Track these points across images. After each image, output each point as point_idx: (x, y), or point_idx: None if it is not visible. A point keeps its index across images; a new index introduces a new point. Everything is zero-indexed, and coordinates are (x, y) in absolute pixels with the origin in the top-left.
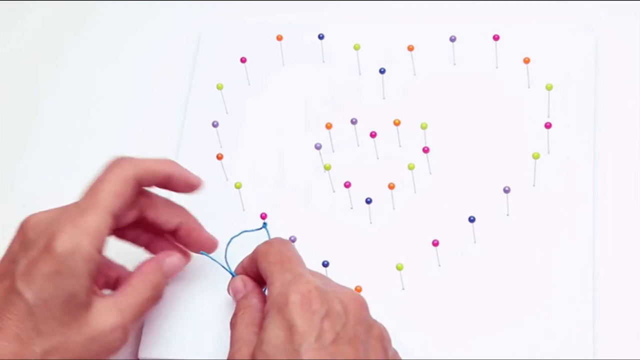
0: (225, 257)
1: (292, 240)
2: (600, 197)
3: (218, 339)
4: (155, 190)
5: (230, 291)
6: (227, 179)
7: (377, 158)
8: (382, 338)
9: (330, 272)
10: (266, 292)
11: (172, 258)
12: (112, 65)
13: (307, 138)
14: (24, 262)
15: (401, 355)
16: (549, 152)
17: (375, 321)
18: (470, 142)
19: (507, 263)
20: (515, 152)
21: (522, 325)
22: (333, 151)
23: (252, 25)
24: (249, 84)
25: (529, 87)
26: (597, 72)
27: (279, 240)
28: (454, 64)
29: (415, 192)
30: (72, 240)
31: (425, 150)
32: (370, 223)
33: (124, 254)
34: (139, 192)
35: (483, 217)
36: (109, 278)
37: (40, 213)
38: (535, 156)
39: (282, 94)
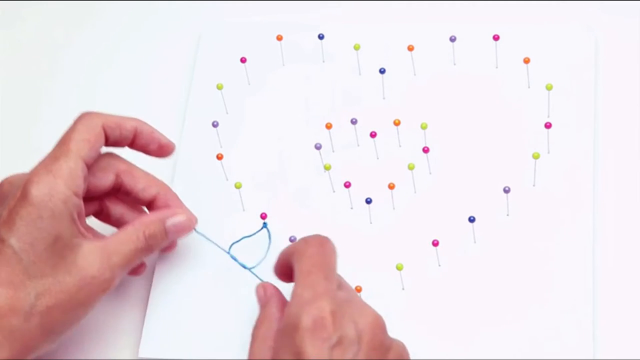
0: (231, 255)
1: (292, 240)
2: (600, 197)
3: (218, 338)
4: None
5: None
6: (227, 179)
7: (377, 158)
8: None
9: None
10: None
11: (177, 216)
12: (112, 65)
13: (307, 138)
14: (4, 212)
15: None
16: (549, 152)
17: (392, 342)
18: (470, 142)
19: (507, 263)
20: (515, 152)
21: (522, 325)
22: (333, 151)
23: (252, 25)
24: (249, 84)
25: (529, 87)
26: (597, 72)
27: (316, 240)
28: (454, 64)
29: (415, 192)
30: (47, 184)
31: (425, 150)
32: (370, 223)
33: None
34: (116, 159)
35: (483, 217)
36: (115, 216)
37: (15, 174)
38: (535, 156)
39: (282, 94)
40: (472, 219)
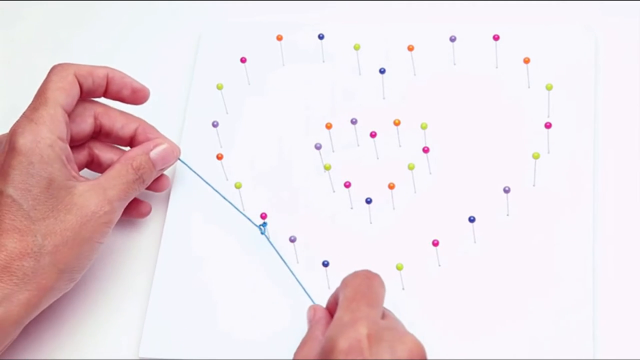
0: (244, 213)
1: (292, 240)
2: (600, 197)
3: (218, 338)
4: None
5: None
6: (227, 179)
7: (377, 158)
8: None
9: (330, 272)
10: None
11: (159, 146)
12: (112, 65)
13: (307, 138)
14: None
15: None
16: (549, 152)
17: None
18: (470, 142)
19: (507, 263)
20: (515, 152)
21: (522, 325)
22: (333, 151)
23: (252, 25)
24: (249, 84)
25: (529, 87)
26: (597, 72)
27: (364, 273)
28: (454, 64)
29: (415, 192)
30: (31, 132)
31: (425, 150)
32: (370, 223)
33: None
34: (92, 102)
35: (483, 217)
36: (106, 161)
37: None
38: (535, 156)
39: (282, 93)
40: (472, 219)
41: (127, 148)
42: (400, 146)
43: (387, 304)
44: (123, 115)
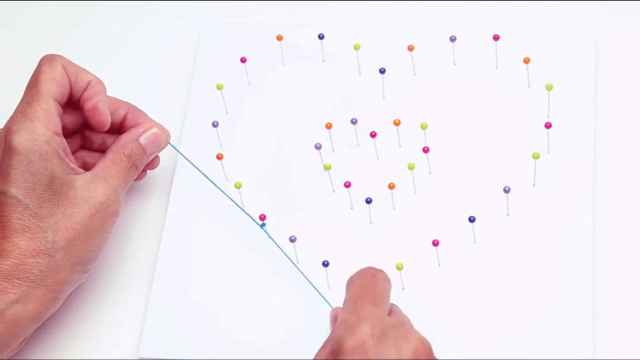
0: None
1: (292, 240)
2: (600, 197)
3: (218, 338)
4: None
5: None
6: (227, 179)
7: (377, 158)
8: None
9: (330, 272)
10: None
11: (149, 131)
12: (112, 65)
13: (307, 138)
14: None
15: None
16: (549, 152)
17: None
18: (470, 142)
19: (507, 263)
20: (515, 152)
21: (522, 325)
22: (333, 151)
23: (252, 25)
24: (249, 84)
25: (529, 87)
26: (597, 72)
27: (368, 271)
28: (454, 64)
29: (415, 192)
30: (27, 130)
31: (425, 150)
32: (370, 223)
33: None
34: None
35: (483, 217)
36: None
37: None
38: (535, 156)
39: (282, 93)
40: (472, 219)
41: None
42: (400, 146)
43: None
44: (112, 100)
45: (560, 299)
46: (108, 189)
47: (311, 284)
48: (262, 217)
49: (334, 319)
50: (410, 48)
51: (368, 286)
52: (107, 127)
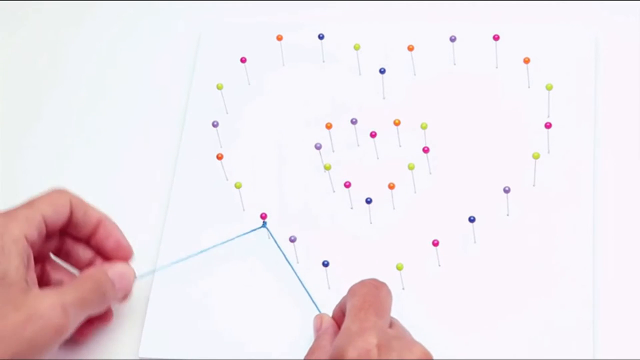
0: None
1: (292, 240)
2: (600, 197)
3: (218, 338)
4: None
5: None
6: (227, 179)
7: (377, 158)
8: None
9: (330, 272)
10: None
11: (117, 265)
12: (112, 65)
13: (307, 138)
14: None
15: None
16: (549, 152)
17: None
18: (470, 142)
19: (507, 263)
20: (515, 152)
21: (522, 325)
22: (333, 151)
23: (252, 25)
24: (249, 84)
25: (529, 87)
26: (597, 72)
27: (371, 282)
28: (454, 64)
29: (415, 192)
30: (2, 223)
31: (425, 150)
32: (370, 223)
33: None
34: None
35: (483, 217)
36: (55, 281)
37: None
38: (535, 156)
39: (282, 94)
40: (472, 219)
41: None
42: (400, 146)
43: None
44: (84, 208)
45: (560, 299)
46: (56, 301)
47: (303, 286)
48: (263, 216)
49: (319, 326)
50: (410, 48)
51: (371, 297)
52: (131, 257)
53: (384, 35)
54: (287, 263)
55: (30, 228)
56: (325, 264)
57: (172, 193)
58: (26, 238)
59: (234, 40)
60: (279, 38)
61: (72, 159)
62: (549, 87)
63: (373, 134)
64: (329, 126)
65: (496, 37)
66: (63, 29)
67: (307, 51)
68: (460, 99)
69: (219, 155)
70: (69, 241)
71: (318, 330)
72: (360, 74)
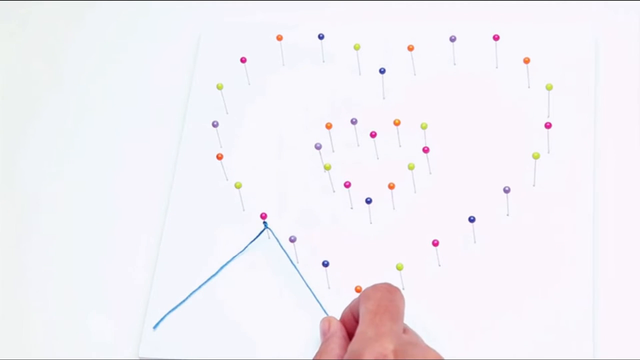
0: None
1: (292, 240)
2: (600, 197)
3: (218, 338)
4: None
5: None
6: (227, 179)
7: (377, 158)
8: None
9: (330, 272)
10: None
11: None
12: (112, 65)
13: (307, 138)
14: None
15: None
16: (549, 152)
17: None
18: (470, 142)
19: (507, 263)
20: (515, 152)
21: (522, 325)
22: (333, 151)
23: (252, 25)
24: (249, 84)
25: (529, 87)
26: (597, 72)
27: (385, 286)
28: (454, 64)
29: (415, 192)
30: None
31: (425, 150)
32: (370, 223)
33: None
34: None
35: (483, 217)
36: None
37: None
38: (535, 156)
39: (282, 93)
40: (472, 219)
41: None
42: (400, 146)
43: None
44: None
45: (560, 299)
46: None
47: (307, 286)
48: (263, 216)
49: (327, 329)
50: (410, 48)
51: (386, 301)
52: None
53: (384, 35)
54: (288, 263)
55: None
56: (325, 264)
57: (172, 193)
58: None
59: (234, 40)
60: (279, 38)
61: (72, 159)
62: (549, 87)
63: (373, 134)
64: (329, 126)
65: (496, 37)
66: (63, 29)
67: (307, 51)
68: (460, 99)
69: (219, 155)
70: None
71: (325, 333)
72: (360, 74)
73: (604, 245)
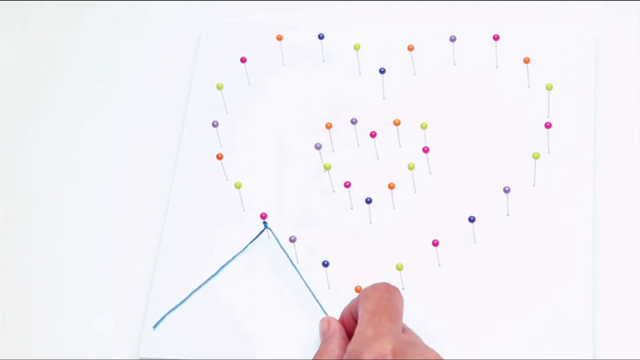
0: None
1: (292, 240)
2: (600, 197)
3: (218, 338)
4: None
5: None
6: (227, 179)
7: (377, 158)
8: None
9: (330, 272)
10: None
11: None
12: (112, 65)
13: (307, 138)
14: None
15: None
16: (549, 152)
17: None
18: (470, 142)
19: (507, 263)
20: (515, 152)
21: (522, 325)
22: (333, 151)
23: (252, 25)
24: (249, 84)
25: (529, 87)
26: (597, 72)
27: (384, 286)
28: (454, 64)
29: (415, 192)
30: None
31: (425, 150)
32: (370, 223)
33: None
34: None
35: (483, 217)
36: None
37: None
38: (535, 156)
39: (282, 93)
40: (472, 219)
41: None
42: (400, 146)
43: None
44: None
45: (560, 299)
46: None
47: (307, 286)
48: (263, 216)
49: (326, 329)
50: (410, 48)
51: (385, 301)
52: None
53: (384, 35)
54: (288, 263)
55: None
56: (325, 264)
57: (172, 193)
58: None
59: (234, 40)
60: (279, 38)
61: (71, 159)
62: (549, 87)
63: (373, 134)
64: (329, 126)
65: (496, 37)
66: (63, 29)
67: (307, 51)
68: (460, 99)
69: (219, 155)
70: None
71: (325, 334)
72: (360, 74)
73: (604, 245)
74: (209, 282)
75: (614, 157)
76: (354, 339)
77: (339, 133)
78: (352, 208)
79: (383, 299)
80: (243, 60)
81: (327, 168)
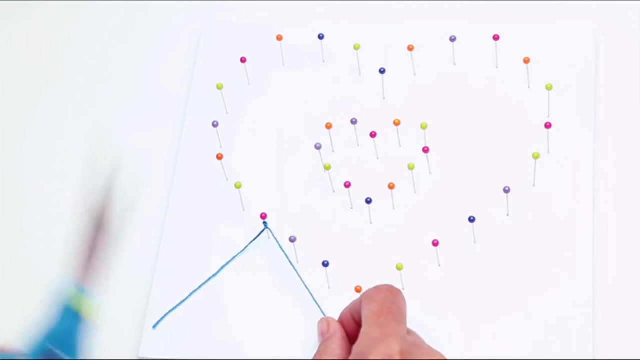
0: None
1: (292, 240)
2: (600, 197)
3: (218, 338)
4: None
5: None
6: (227, 179)
7: (377, 158)
8: None
9: (330, 272)
10: None
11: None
12: (112, 65)
13: (307, 138)
14: None
15: None
16: (549, 152)
17: None
18: (470, 142)
19: (507, 263)
20: (515, 152)
21: (522, 325)
22: (333, 151)
23: (252, 25)
24: (249, 84)
25: (529, 87)
26: (597, 72)
27: (387, 288)
28: (454, 64)
29: (415, 192)
30: None
31: (425, 150)
32: (370, 223)
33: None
34: None
35: (483, 217)
36: None
37: None
38: (535, 156)
39: (282, 93)
40: (472, 219)
41: None
42: (400, 146)
43: None
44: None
45: (560, 299)
46: None
47: (306, 287)
48: (263, 216)
49: (326, 330)
50: (410, 48)
51: (389, 303)
52: None
53: (384, 35)
54: (287, 263)
55: None
56: (325, 264)
57: (172, 193)
58: None
59: (234, 40)
60: (279, 38)
61: (71, 159)
62: (549, 87)
63: (373, 134)
64: (329, 126)
65: (496, 37)
66: (62, 28)
67: (307, 51)
68: (460, 99)
69: (219, 155)
70: None
71: (325, 334)
72: (360, 74)
73: (604, 245)
74: (209, 282)
75: (614, 157)
76: (359, 340)
77: (339, 133)
78: (352, 208)
79: (387, 301)
80: (243, 60)
81: (327, 168)
